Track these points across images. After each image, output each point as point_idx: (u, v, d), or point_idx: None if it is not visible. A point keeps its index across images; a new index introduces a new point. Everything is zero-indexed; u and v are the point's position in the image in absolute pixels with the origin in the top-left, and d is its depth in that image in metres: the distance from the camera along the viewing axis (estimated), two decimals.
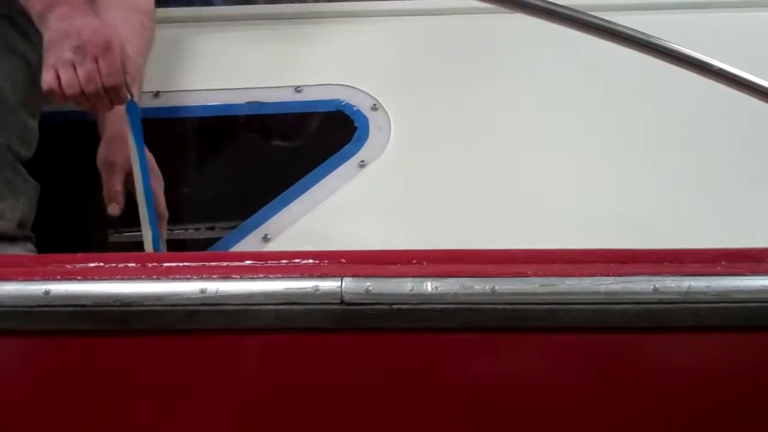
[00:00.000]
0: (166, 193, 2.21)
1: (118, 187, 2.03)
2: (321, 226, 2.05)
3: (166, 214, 2.07)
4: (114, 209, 2.03)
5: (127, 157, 1.98)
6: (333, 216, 2.07)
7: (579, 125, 2.10)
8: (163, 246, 2.01)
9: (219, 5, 2.53)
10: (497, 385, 1.38)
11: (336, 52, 2.27)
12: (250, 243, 2.06)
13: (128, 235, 2.35)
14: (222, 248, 2.08)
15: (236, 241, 2.08)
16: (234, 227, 2.16)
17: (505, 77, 2.17)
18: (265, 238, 2.06)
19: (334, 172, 2.11)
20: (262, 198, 2.14)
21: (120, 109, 1.92)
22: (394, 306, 1.32)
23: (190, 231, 2.34)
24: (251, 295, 1.33)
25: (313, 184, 2.11)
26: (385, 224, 2.01)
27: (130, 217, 2.34)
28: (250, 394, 1.35)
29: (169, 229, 2.17)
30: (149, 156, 2.03)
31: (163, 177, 2.32)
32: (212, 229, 2.23)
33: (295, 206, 2.10)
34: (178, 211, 2.31)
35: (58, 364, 1.35)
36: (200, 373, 1.36)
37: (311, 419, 1.37)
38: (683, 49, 1.56)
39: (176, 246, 2.30)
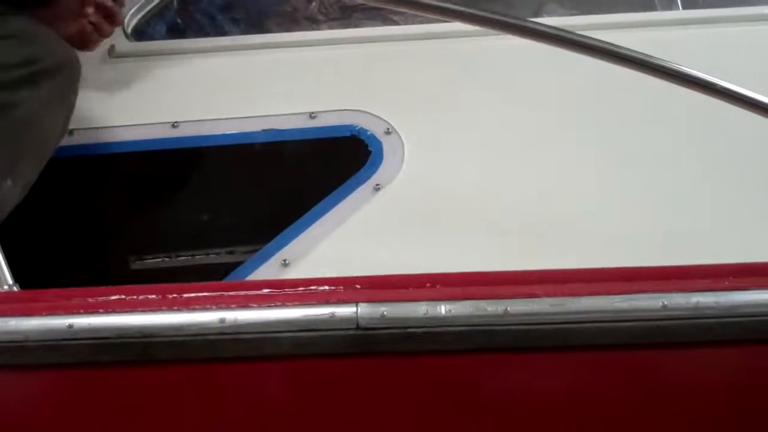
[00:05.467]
0: (189, 220, 2.27)
1: None
2: (339, 249, 2.08)
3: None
4: None
5: None
6: (351, 239, 2.09)
7: (591, 143, 2.12)
8: None
9: (233, 34, 2.58)
10: (512, 405, 1.40)
11: (349, 78, 2.30)
12: (269, 269, 2.09)
13: (150, 262, 2.39)
14: (242, 274, 2.12)
15: (256, 267, 2.11)
16: (253, 251, 2.20)
17: (517, 97, 2.20)
18: (285, 263, 2.09)
19: (350, 197, 2.14)
20: (280, 223, 2.17)
21: None
22: (409, 329, 1.35)
23: (211, 256, 2.38)
24: (269, 323, 1.36)
25: (330, 209, 2.14)
26: (402, 246, 2.04)
27: (152, 244, 2.39)
28: (270, 420, 1.38)
29: (190, 255, 2.21)
30: None
31: (183, 205, 2.38)
32: (232, 253, 2.27)
33: (313, 231, 2.12)
34: (197, 237, 2.35)
35: (82, 397, 1.38)
36: (221, 401, 1.39)
37: None
38: (684, 68, 1.59)
39: (198, 271, 2.35)
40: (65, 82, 1.99)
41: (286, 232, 2.15)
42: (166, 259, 2.41)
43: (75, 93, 2.03)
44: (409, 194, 2.12)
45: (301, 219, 2.15)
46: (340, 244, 2.09)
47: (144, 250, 2.41)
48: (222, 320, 1.36)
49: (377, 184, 2.15)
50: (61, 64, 1.96)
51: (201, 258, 2.32)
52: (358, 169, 2.19)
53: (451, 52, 2.29)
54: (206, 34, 2.56)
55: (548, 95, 2.19)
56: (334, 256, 2.08)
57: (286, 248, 2.13)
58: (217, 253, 2.37)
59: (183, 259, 2.39)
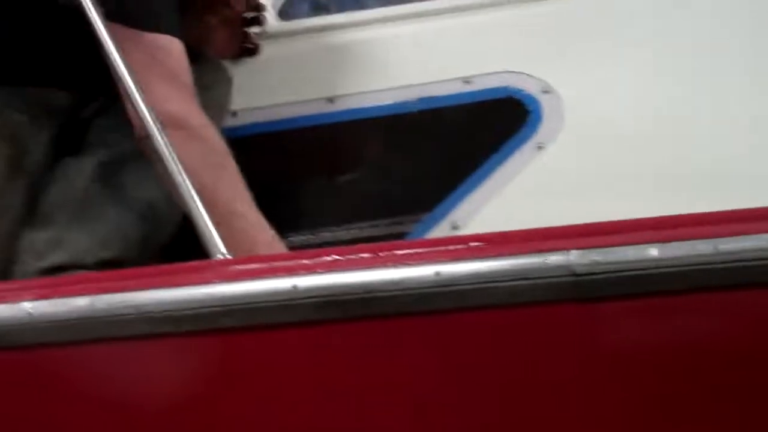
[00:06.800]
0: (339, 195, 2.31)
1: None
2: (507, 210, 2.11)
3: None
4: None
5: None
6: (517, 199, 2.12)
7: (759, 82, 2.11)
8: None
9: (374, 7, 2.61)
10: (723, 343, 1.42)
11: (500, 40, 2.32)
12: (439, 233, 2.13)
13: (293, 240, 2.43)
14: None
15: (425, 232, 2.15)
16: (417, 221, 2.23)
17: (676, 52, 2.19)
18: (454, 226, 2.13)
19: (512, 157, 2.17)
20: (443, 189, 2.20)
21: None
22: (623, 273, 1.37)
23: (353, 231, 2.42)
24: (484, 274, 1.39)
25: (494, 171, 2.17)
26: (574, 202, 2.05)
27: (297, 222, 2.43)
28: (498, 367, 1.42)
29: (359, 227, 2.26)
30: None
31: (342, 178, 2.41)
32: (400, 224, 2.30)
33: (479, 194, 2.16)
34: (361, 209, 2.39)
35: (310, 353, 1.44)
36: (440, 351, 1.43)
37: (547, 388, 1.43)
38: None
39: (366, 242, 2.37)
40: None
41: (451, 197, 2.18)
42: (311, 237, 2.44)
43: None
44: (574, 151, 2.14)
45: (465, 183, 2.18)
46: (508, 205, 2.12)
47: (289, 228, 2.45)
48: (437, 273, 1.40)
49: (540, 144, 2.17)
50: None
51: (367, 230, 2.35)
52: (516, 130, 2.21)
53: (604, 7, 2.29)
54: (348, 9, 2.60)
55: (705, 41, 2.18)
56: (504, 217, 2.10)
57: (453, 212, 2.16)
58: (376, 226, 2.39)
59: (324, 236, 2.42)
